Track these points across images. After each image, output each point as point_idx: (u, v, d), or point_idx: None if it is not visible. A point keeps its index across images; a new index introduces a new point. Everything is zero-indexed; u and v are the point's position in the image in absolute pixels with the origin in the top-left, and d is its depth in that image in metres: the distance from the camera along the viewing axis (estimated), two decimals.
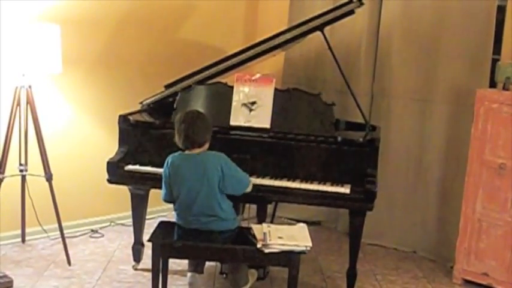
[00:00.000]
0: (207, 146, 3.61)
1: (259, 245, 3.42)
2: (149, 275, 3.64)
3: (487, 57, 4.40)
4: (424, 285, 4.30)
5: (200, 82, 4.21)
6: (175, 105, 4.11)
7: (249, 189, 3.69)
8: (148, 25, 4.99)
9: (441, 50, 4.59)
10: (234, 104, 4.01)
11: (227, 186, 3.57)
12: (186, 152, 3.60)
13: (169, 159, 3.63)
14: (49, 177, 4.21)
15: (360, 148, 3.85)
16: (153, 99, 4.37)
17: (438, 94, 4.62)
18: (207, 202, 3.55)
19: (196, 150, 3.58)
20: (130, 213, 4.18)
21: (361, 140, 3.89)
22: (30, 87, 4.12)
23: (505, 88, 4.14)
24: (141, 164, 3.96)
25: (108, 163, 3.95)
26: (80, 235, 4.78)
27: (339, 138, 3.87)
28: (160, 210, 5.11)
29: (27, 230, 4.54)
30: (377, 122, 4.57)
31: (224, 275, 4.08)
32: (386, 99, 4.88)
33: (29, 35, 3.95)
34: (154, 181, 3.86)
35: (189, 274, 3.90)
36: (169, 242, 3.54)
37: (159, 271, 3.55)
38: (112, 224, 5.01)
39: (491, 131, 4.12)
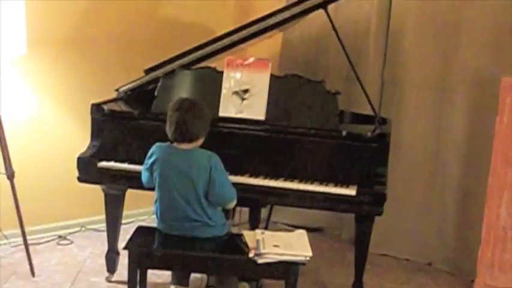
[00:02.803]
0: (199, 142, 3.60)
1: (251, 255, 3.42)
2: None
3: None
4: None
5: (185, 66, 4.20)
6: (156, 93, 4.11)
7: (230, 205, 3.70)
8: (127, 0, 4.98)
9: (462, 32, 4.58)
10: (223, 92, 4.01)
11: (209, 193, 3.56)
12: (175, 144, 3.59)
13: (154, 149, 3.61)
14: (10, 175, 4.20)
15: (368, 144, 3.84)
16: (130, 85, 4.37)
17: (458, 82, 4.62)
18: (191, 205, 3.55)
19: (186, 146, 3.57)
20: (103, 216, 4.17)
21: (369, 134, 3.89)
22: None
23: None
24: (117, 160, 3.96)
25: (79, 159, 3.94)
26: (46, 242, 4.77)
27: (344, 133, 3.87)
28: (138, 213, 5.11)
29: None
30: (388, 114, 4.56)
31: None
32: (399, 87, 4.88)
33: None
34: (132, 180, 3.86)
35: (172, 287, 3.90)
36: (148, 250, 3.53)
37: (137, 283, 3.54)
38: (83, 229, 5.01)
39: None
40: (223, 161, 3.61)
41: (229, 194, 3.64)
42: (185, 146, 3.57)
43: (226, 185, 3.62)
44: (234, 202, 3.68)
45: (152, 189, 3.68)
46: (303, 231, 3.69)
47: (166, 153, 3.59)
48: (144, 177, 3.68)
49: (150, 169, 3.62)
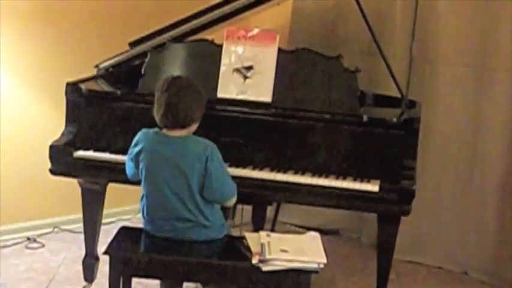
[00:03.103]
0: (193, 128, 3.60)
1: (255, 261, 3.42)
2: None
3: None
4: None
5: (177, 39, 4.20)
6: (143, 70, 4.10)
7: (229, 203, 3.70)
8: None
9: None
10: (223, 69, 4.01)
11: (205, 188, 3.56)
12: (164, 131, 3.58)
13: (141, 134, 3.61)
14: None
15: (394, 131, 3.84)
16: (113, 61, 4.37)
17: (500, 59, 4.61)
18: (183, 202, 3.55)
19: (178, 132, 3.56)
20: (80, 215, 4.18)
21: (394, 119, 3.88)
22: None
23: None
24: (96, 149, 3.96)
25: (52, 147, 3.94)
26: (12, 245, 4.79)
27: (365, 117, 3.86)
28: (121, 212, 5.12)
29: None
30: (417, 95, 4.57)
31: None
32: (430, 64, 4.88)
33: None
34: (114, 173, 3.87)
35: None
36: (133, 256, 3.53)
37: None
38: (55, 230, 5.02)
39: None
40: (222, 150, 3.61)
41: (229, 189, 3.64)
42: (176, 132, 3.57)
43: (224, 178, 3.61)
44: (234, 199, 3.68)
45: (138, 183, 3.68)
46: (315, 234, 3.69)
47: (154, 141, 3.59)
48: (129, 168, 3.67)
49: (136, 160, 3.62)
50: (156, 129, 3.61)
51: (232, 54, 4.01)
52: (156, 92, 3.58)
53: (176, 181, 3.53)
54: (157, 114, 3.56)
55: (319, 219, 5.13)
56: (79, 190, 4.10)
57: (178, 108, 3.52)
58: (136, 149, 3.61)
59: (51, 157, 3.94)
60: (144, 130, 3.64)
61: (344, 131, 3.87)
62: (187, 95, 3.54)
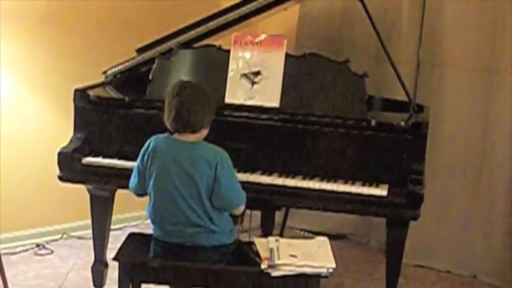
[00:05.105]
0: (203, 133, 3.60)
1: (264, 266, 3.42)
2: None
3: None
4: None
5: (185, 45, 4.21)
6: (151, 76, 4.11)
7: (237, 211, 3.69)
8: None
9: None
10: (230, 74, 4.01)
11: (213, 194, 3.56)
12: (175, 136, 3.59)
13: (151, 141, 3.61)
14: None
15: (402, 135, 3.83)
16: (120, 67, 4.38)
17: (508, 63, 4.60)
18: (192, 207, 3.54)
19: (188, 137, 3.56)
20: (89, 222, 4.18)
21: (403, 124, 3.88)
22: None
23: None
24: (105, 156, 3.97)
25: (60, 154, 3.94)
26: (22, 251, 4.79)
27: (373, 122, 3.86)
28: (130, 218, 5.11)
29: None
30: (425, 100, 4.56)
31: None
32: (437, 69, 4.87)
33: None
34: (122, 178, 3.85)
35: None
36: (142, 261, 3.53)
37: None
38: (64, 236, 5.02)
39: None
40: (230, 156, 3.60)
41: (237, 197, 3.63)
42: (187, 137, 3.56)
43: (233, 186, 3.60)
44: (242, 208, 3.67)
45: (140, 196, 3.70)
46: (324, 239, 3.69)
47: (165, 144, 3.58)
48: (132, 178, 3.66)
49: (145, 164, 3.58)
50: (167, 134, 3.62)
51: (240, 60, 4.01)
52: (166, 97, 3.58)
53: (185, 186, 3.53)
54: (167, 118, 3.56)
55: (328, 224, 5.12)
56: (87, 196, 4.10)
57: (188, 112, 3.51)
58: (147, 153, 3.61)
59: (59, 163, 3.95)
60: (155, 136, 3.64)
61: (352, 135, 3.87)
62: (198, 100, 3.54)
